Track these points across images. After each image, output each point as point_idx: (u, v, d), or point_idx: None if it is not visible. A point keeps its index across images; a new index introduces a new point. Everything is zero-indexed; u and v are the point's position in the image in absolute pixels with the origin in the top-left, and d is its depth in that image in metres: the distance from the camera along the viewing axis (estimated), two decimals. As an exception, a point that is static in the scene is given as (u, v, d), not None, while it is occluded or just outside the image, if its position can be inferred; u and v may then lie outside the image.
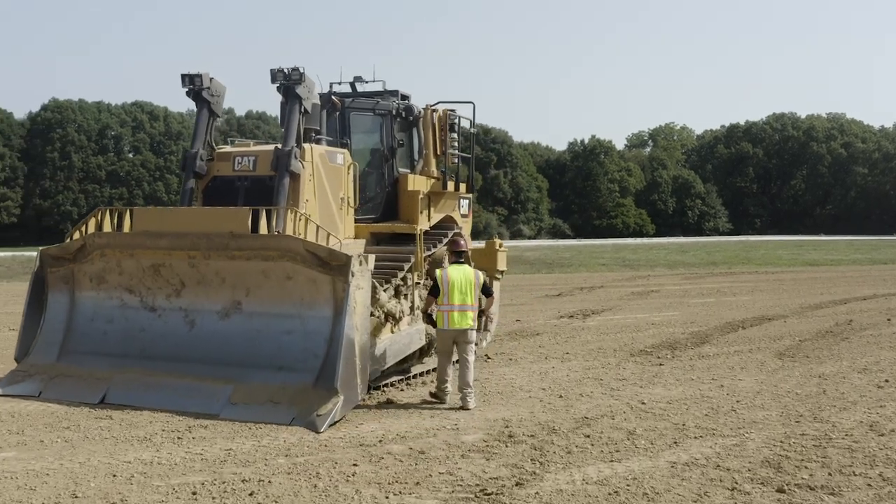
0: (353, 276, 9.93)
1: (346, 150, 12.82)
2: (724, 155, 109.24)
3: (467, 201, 15.44)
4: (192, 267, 10.90)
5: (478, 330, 15.20)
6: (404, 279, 12.26)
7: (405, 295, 12.29)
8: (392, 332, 11.63)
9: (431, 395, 11.34)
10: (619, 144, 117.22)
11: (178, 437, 9.06)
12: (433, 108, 14.59)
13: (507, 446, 8.82)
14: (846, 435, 9.34)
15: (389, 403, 11.01)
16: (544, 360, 14.75)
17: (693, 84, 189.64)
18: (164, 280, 11.10)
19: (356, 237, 13.06)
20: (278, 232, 10.65)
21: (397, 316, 11.66)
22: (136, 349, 11.10)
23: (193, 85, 11.84)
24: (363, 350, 10.14)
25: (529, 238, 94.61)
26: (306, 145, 11.83)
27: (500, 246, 16.72)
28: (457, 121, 14.71)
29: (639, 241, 77.47)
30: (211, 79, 12.03)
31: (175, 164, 76.14)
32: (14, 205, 72.62)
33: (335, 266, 10.10)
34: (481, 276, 11.74)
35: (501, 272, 16.79)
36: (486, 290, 11.91)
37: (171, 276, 11.04)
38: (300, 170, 11.42)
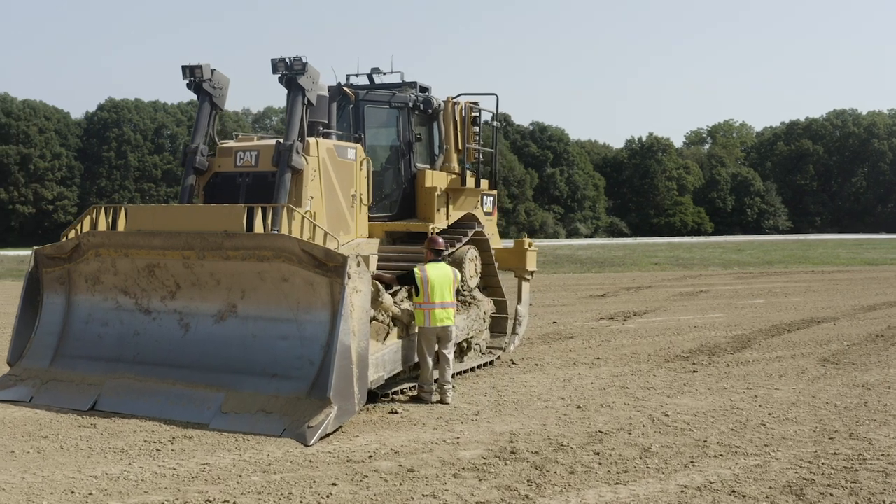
0: (349, 277, 9.29)
1: (358, 145, 12.20)
2: (783, 152, 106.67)
3: (491, 198, 14.73)
4: (186, 268, 10.36)
5: (497, 332, 14.75)
6: None
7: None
8: (400, 336, 10.96)
9: (412, 398, 11.15)
10: (678, 142, 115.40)
11: (157, 450, 8.51)
12: (454, 100, 13.91)
13: (505, 464, 8.11)
14: (882, 455, 8.44)
15: (393, 413, 10.36)
16: (572, 366, 13.98)
17: (753, 81, 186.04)
18: (158, 281, 10.59)
19: (370, 236, 12.47)
20: (276, 231, 10.06)
21: (405, 320, 11.00)
22: (130, 354, 10.60)
23: (194, 77, 11.33)
24: (361, 357, 9.49)
25: (586, 236, 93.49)
26: (311, 139, 11.24)
27: (530, 245, 16.02)
28: (479, 114, 14.01)
29: (694, 239, 75.92)
30: (213, 70, 11.50)
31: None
32: (71, 203, 73.52)
33: (332, 267, 9.47)
34: (458, 274, 11.64)
35: (531, 273, 16.11)
36: (458, 291, 11.77)
37: (165, 277, 10.52)
38: (303, 165, 10.82)
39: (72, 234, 11.09)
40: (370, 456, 8.36)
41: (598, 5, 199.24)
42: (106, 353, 10.73)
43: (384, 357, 10.51)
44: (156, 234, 10.43)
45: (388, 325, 10.65)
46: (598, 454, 8.47)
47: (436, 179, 13.08)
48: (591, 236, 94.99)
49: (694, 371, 13.51)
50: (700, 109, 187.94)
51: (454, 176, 13.67)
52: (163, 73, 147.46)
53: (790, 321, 19.86)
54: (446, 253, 12.47)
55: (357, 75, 13.86)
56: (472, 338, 13.41)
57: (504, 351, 15.38)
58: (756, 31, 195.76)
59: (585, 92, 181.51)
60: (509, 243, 16.07)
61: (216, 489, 7.26)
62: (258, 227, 10.02)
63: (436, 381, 11.11)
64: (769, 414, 10.34)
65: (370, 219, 12.57)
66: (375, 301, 10.17)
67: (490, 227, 14.71)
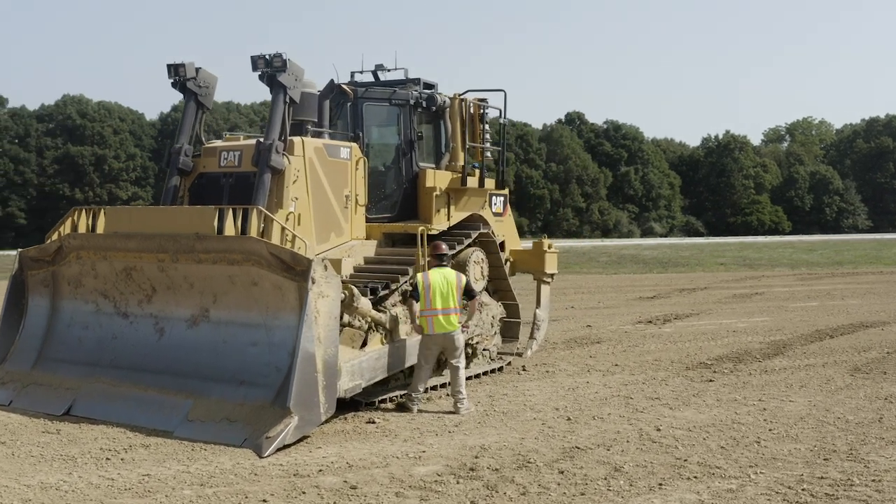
0: (313, 282, 8.92)
1: (354, 144, 11.84)
2: (863, 150, 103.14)
3: (502, 198, 14.19)
4: (161, 271, 10.13)
5: (508, 339, 14.24)
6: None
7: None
8: (383, 342, 10.55)
9: (398, 405, 10.79)
10: (756, 140, 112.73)
11: (108, 459, 8.28)
12: (462, 97, 13.44)
13: (458, 482, 7.63)
14: (873, 480, 7.72)
15: (370, 423, 9.93)
16: (585, 374, 13.39)
17: (833, 77, 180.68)
18: (136, 284, 10.38)
19: (368, 238, 12.09)
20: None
21: (389, 326, 10.58)
22: (107, 358, 10.42)
23: (178, 75, 11.09)
24: (328, 365, 9.10)
25: (661, 236, 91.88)
26: (296, 139, 10.91)
27: (550, 247, 15.44)
28: (485, 111, 13.51)
29: (768, 239, 73.80)
30: (198, 69, 11.26)
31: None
32: (145, 203, 74.93)
33: (299, 271, 9.12)
34: (463, 278, 11.15)
35: (551, 275, 15.53)
36: (470, 293, 11.17)
37: (142, 280, 10.31)
38: (283, 165, 10.48)
39: (55, 237, 10.96)
40: (320, 470, 7.97)
41: (676, 4, 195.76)
42: (85, 357, 10.57)
43: (362, 364, 10.10)
44: (131, 237, 10.23)
45: (366, 330, 10.23)
46: (562, 473, 7.93)
47: (436, 179, 12.62)
48: (666, 236, 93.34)
49: (710, 380, 12.81)
50: (779, 107, 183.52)
51: (459, 175, 13.21)
52: (236, 73, 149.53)
53: (836, 325, 18.90)
54: (449, 254, 12.04)
55: (362, 72, 13.50)
56: (477, 343, 12.94)
57: (521, 356, 14.88)
58: (836, 26, 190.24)
59: (662, 89, 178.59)
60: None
61: (142, 502, 6.96)
62: (229, 229, 9.72)
63: (444, 389, 11.00)
64: (770, 430, 9.64)
65: (370, 220, 12.20)
66: (350, 306, 9.77)
67: (501, 229, 14.18)
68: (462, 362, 10.76)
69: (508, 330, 14.22)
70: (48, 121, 74.34)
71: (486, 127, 13.58)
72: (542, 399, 11.40)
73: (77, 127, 73.30)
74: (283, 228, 9.64)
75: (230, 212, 9.76)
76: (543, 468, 8.08)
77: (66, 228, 10.91)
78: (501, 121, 13.66)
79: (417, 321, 10.67)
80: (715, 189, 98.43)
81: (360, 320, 10.06)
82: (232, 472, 7.84)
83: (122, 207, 11.21)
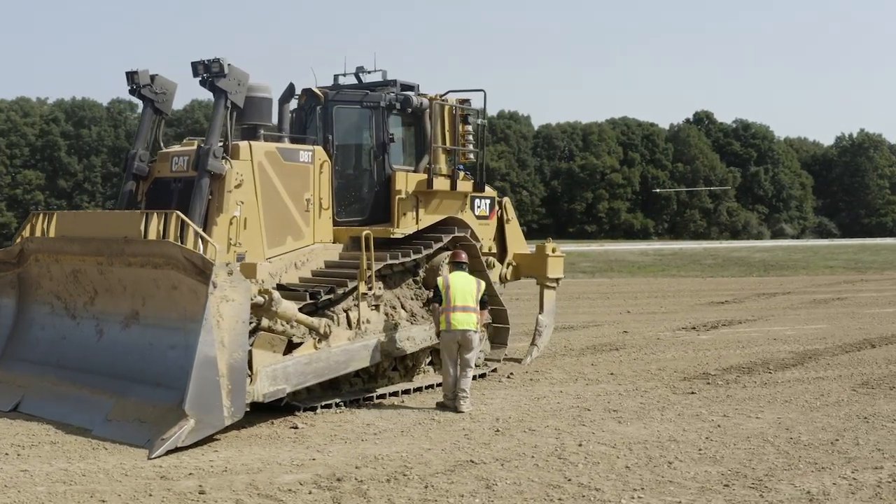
0: (215, 286, 8.94)
1: (317, 147, 11.83)
2: None
3: (487, 201, 13.86)
4: (100, 274, 10.39)
5: (495, 344, 13.93)
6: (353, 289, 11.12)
7: (352, 307, 11.12)
8: (316, 347, 10.47)
9: (438, 403, 11.19)
10: (893, 138, 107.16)
11: (6, 454, 8.55)
12: (443, 98, 13.23)
13: (309, 493, 7.48)
14: (753, 510, 7.15)
15: (293, 428, 9.88)
16: (568, 383, 12.98)
17: None
18: (81, 287, 10.67)
19: (336, 241, 12.05)
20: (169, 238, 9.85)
21: (322, 331, 10.48)
22: (56, 357, 10.76)
23: (133, 83, 11.32)
24: (234, 369, 9.09)
25: (793, 237, 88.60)
26: (242, 143, 10.97)
27: (554, 251, 15.07)
28: (459, 111, 13.22)
29: (886, 241, 69.76)
30: (153, 76, 11.45)
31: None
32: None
33: (208, 275, 9.15)
34: (483, 285, 11.53)
35: (555, 280, 15.15)
36: (483, 303, 11.42)
37: (86, 282, 10.60)
38: (222, 170, 10.55)
39: (19, 240, 11.38)
40: (191, 473, 7.98)
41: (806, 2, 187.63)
42: (39, 357, 10.94)
43: (287, 369, 10.04)
44: (75, 240, 10.54)
45: (289, 335, 10.15)
46: (427, 487, 7.67)
47: (404, 182, 12.44)
48: (798, 237, 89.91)
49: (692, 392, 12.21)
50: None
51: (443, 177, 12.99)
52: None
53: (890, 335, 17.78)
54: (404, 259, 11.91)
55: (345, 75, 13.46)
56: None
57: (522, 363, 14.57)
58: None
59: (794, 87, 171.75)
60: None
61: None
62: (152, 233, 9.86)
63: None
64: (699, 450, 9.06)
65: (340, 223, 12.15)
66: (268, 310, 9.72)
67: (487, 232, 13.86)
68: (473, 363, 11.19)
69: (497, 336, 13.91)
70: (176, 125, 77.55)
71: (470, 128, 13.32)
72: (494, 409, 11.10)
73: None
74: (196, 233, 9.67)
75: (154, 216, 9.90)
76: (413, 481, 7.84)
77: (27, 232, 11.31)
78: (479, 121, 13.36)
79: (440, 322, 11.10)
80: (849, 189, 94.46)
81: (282, 325, 9.99)
82: (105, 472, 7.95)
83: (70, 212, 11.55)
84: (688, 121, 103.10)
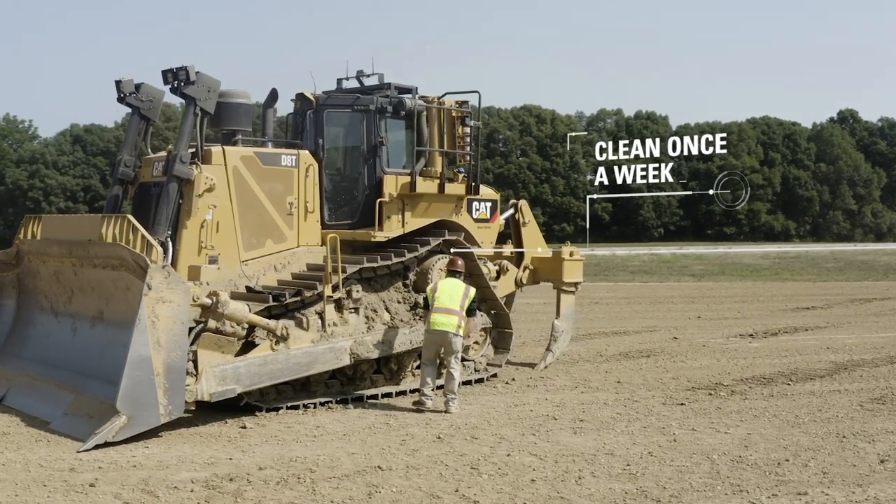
0: (149, 288, 9.23)
1: (302, 151, 12.06)
2: None
3: (488, 204, 13.71)
4: (75, 274, 10.91)
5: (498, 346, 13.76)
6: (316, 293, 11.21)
7: (326, 310, 11.22)
8: (273, 349, 10.62)
9: (414, 403, 11.40)
10: None
11: (-41, 446, 9.09)
12: (440, 100, 13.18)
13: (191, 492, 7.63)
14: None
15: (243, 428, 10.08)
16: (565, 391, 12.74)
17: None
18: (62, 286, 11.22)
19: (323, 244, 12.20)
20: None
21: (279, 333, 10.62)
22: (39, 353, 11.37)
23: (120, 91, 11.78)
24: (171, 368, 9.35)
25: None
26: (216, 148, 11.27)
27: (572, 255, 14.78)
28: (468, 114, 13.14)
29: None
30: (138, 85, 11.87)
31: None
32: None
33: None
34: (472, 291, 11.61)
35: (574, 284, 14.88)
36: (471, 311, 11.50)
37: (66, 282, 11.14)
38: (190, 175, 10.85)
39: (16, 242, 12.05)
40: (100, 467, 8.32)
41: None
42: (27, 353, 11.58)
43: (238, 370, 10.23)
44: (54, 242, 11.08)
45: (240, 336, 10.33)
46: (310, 491, 7.70)
47: (393, 185, 12.46)
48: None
49: (681, 404, 11.77)
50: None
51: (448, 181, 12.96)
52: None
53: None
54: (388, 263, 11.94)
55: (347, 78, 13.60)
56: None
57: (535, 368, 14.38)
58: None
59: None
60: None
61: None
62: (108, 236, 10.25)
63: (440, 389, 11.53)
64: (627, 465, 8.70)
65: (329, 226, 12.29)
66: (215, 312, 9.94)
67: (486, 236, 13.71)
68: (458, 366, 11.30)
69: (501, 341, 13.75)
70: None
71: (468, 130, 13.22)
72: (461, 415, 10.99)
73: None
74: (142, 234, 9.98)
75: (112, 220, 10.30)
76: (303, 484, 7.88)
77: (23, 234, 11.96)
78: (473, 124, 13.22)
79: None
80: None
81: (232, 326, 10.19)
82: (23, 463, 8.40)
83: (55, 215, 12.14)
84: (831, 120, 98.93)
